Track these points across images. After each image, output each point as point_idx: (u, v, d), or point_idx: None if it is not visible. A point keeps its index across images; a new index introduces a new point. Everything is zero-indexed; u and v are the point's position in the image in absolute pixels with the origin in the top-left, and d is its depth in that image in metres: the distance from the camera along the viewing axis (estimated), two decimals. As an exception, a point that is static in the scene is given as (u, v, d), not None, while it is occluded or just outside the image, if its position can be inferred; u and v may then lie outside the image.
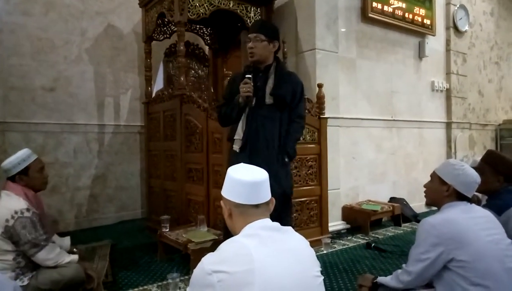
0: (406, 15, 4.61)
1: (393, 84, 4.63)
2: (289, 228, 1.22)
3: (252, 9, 3.86)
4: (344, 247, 3.41)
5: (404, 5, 4.57)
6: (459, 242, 1.46)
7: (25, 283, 1.95)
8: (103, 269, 2.65)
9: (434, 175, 1.69)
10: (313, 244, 2.87)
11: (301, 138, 2.86)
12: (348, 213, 3.97)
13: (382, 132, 4.51)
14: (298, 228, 3.19)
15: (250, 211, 1.17)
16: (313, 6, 3.78)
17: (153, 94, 4.15)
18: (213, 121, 3.12)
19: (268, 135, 2.22)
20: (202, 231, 3.02)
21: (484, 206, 1.91)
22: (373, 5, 4.23)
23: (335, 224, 3.85)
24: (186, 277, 2.62)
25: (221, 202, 1.24)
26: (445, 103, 5.34)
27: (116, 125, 4.56)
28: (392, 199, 4.44)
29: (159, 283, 2.57)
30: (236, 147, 2.25)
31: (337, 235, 3.77)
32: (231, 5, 3.71)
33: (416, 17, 4.72)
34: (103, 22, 4.45)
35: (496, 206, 1.87)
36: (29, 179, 2.07)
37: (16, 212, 1.91)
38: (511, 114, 6.95)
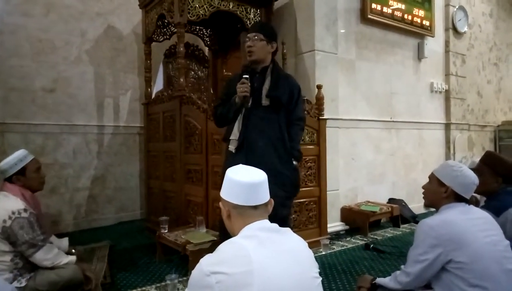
0: (405, 16, 4.62)
1: (392, 86, 4.64)
2: (288, 229, 1.22)
3: (252, 11, 3.86)
4: (343, 248, 3.42)
5: (403, 7, 4.57)
6: (457, 243, 1.46)
7: (23, 284, 1.94)
8: (101, 270, 2.63)
9: (432, 177, 1.70)
10: (311, 245, 2.89)
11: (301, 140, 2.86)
12: (347, 214, 3.97)
13: (381, 133, 4.52)
14: (297, 229, 3.19)
15: (249, 212, 1.17)
16: (313, 8, 3.79)
17: (153, 95, 4.15)
18: (212, 123, 3.09)
19: (264, 136, 2.21)
20: (201, 232, 3.02)
21: (483, 207, 1.92)
22: (372, 7, 4.24)
23: (334, 225, 3.85)
24: (185, 278, 2.62)
25: (220, 203, 1.24)
26: (444, 104, 5.35)
27: (115, 126, 4.56)
28: (391, 200, 4.45)
29: (158, 284, 2.57)
30: (231, 147, 2.24)
31: (336, 236, 3.77)
32: (230, 6, 3.72)
33: (415, 19, 4.73)
34: (103, 23, 4.45)
35: (494, 207, 1.87)
36: (26, 179, 2.07)
37: (13, 213, 1.91)
38: (510, 115, 6.95)
